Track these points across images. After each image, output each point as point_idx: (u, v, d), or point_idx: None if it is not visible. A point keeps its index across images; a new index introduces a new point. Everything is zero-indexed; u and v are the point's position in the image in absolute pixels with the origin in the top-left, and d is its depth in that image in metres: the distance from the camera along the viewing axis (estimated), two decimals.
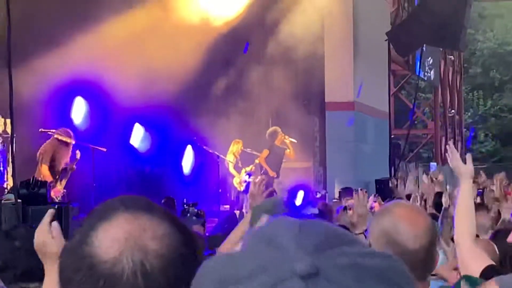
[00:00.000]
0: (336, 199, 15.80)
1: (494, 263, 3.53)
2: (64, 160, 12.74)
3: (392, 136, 25.99)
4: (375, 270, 0.80)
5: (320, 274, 0.78)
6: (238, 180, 16.05)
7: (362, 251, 0.82)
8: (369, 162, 23.69)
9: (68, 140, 12.63)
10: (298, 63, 18.85)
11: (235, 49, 17.88)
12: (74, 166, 12.88)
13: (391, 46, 21.95)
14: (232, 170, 16.19)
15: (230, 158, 16.17)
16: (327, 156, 21.16)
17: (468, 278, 3.17)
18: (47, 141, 12.64)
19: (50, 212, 2.93)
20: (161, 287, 1.28)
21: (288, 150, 16.66)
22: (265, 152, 16.25)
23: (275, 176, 16.01)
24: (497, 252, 4.19)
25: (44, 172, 12.20)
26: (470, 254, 3.44)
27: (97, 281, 1.28)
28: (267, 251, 0.81)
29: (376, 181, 23.08)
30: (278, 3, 18.39)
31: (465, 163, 3.74)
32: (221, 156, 15.85)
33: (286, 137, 16.76)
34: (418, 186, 16.49)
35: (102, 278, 1.28)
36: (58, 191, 12.33)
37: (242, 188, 16.04)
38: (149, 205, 1.38)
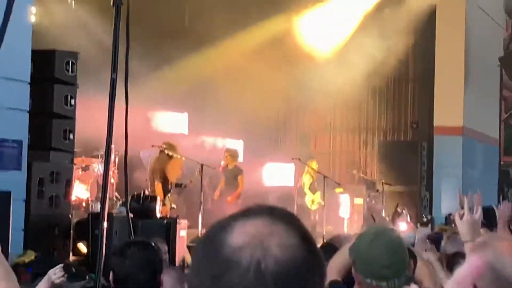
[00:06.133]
0: (443, 224, 15.51)
1: None
2: (175, 175, 12.67)
3: (502, 163, 25.38)
4: None
5: None
6: (311, 199, 16.46)
7: None
8: (476, 189, 23.20)
9: (175, 155, 12.47)
10: (408, 85, 18.64)
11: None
12: (190, 181, 12.74)
13: (503, 71, 21.47)
14: (306, 189, 16.57)
15: (305, 178, 16.68)
16: (433, 180, 20.82)
17: None
18: (156, 157, 12.59)
19: None
20: None
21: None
22: (222, 181, 14.69)
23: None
24: None
25: (158, 190, 12.15)
26: None
27: (219, 266, 1.43)
28: None
29: (483, 208, 22.60)
30: None
31: None
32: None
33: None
34: None
35: (223, 263, 1.42)
36: (165, 210, 11.89)
37: (315, 207, 16.44)
38: (291, 217, 1.52)
